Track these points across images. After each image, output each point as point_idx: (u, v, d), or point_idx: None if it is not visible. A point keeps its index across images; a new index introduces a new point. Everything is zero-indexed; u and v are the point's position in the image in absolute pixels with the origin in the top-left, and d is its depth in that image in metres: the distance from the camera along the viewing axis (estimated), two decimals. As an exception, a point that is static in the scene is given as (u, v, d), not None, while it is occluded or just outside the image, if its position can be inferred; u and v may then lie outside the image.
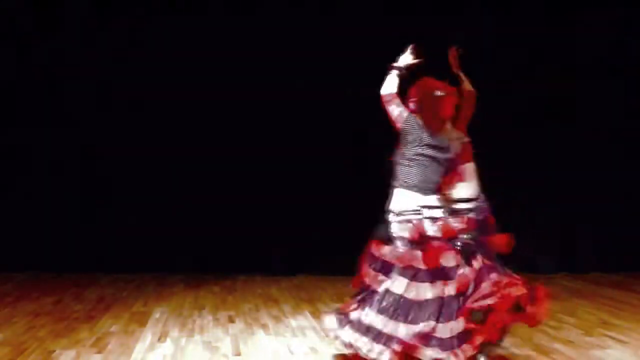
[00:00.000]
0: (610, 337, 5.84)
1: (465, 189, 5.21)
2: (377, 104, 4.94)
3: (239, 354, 5.34)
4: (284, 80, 8.77)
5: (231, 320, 6.44)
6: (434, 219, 4.79)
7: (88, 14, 8.84)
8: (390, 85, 4.86)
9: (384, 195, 4.95)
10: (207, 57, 8.78)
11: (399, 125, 4.85)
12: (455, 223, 4.88)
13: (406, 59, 4.91)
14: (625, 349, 5.49)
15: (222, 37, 8.84)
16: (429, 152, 4.83)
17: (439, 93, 4.85)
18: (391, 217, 4.85)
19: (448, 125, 5.09)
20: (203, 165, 8.88)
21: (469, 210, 5.17)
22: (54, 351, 5.28)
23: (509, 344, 5.56)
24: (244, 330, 6.07)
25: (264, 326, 6.19)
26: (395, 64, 4.90)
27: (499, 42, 8.90)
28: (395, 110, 4.84)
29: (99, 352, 5.29)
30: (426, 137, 4.83)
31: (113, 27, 8.84)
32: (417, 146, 4.83)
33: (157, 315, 6.57)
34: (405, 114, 4.83)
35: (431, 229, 4.76)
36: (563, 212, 9.33)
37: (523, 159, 9.21)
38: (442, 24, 8.30)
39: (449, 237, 4.80)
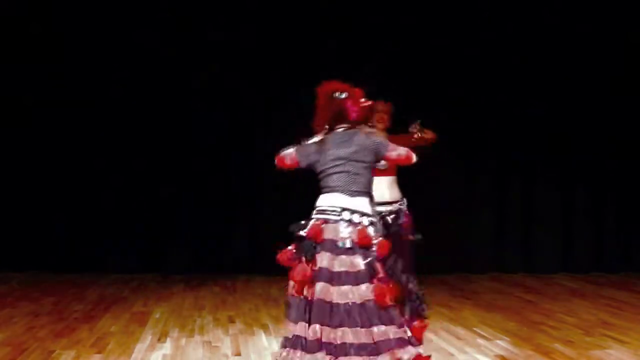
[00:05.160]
0: (610, 337, 5.84)
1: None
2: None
3: (239, 354, 5.34)
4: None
5: (231, 320, 6.43)
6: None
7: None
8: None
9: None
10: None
11: None
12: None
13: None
14: (625, 349, 5.49)
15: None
16: None
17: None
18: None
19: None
20: (202, 166, 8.87)
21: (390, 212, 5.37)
22: (54, 351, 5.27)
23: (509, 344, 5.57)
24: (244, 330, 6.06)
25: (264, 326, 6.18)
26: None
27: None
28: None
29: (99, 352, 5.29)
30: None
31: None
32: None
33: (157, 315, 6.56)
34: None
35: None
36: (563, 212, 9.34)
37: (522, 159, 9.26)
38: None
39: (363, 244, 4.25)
